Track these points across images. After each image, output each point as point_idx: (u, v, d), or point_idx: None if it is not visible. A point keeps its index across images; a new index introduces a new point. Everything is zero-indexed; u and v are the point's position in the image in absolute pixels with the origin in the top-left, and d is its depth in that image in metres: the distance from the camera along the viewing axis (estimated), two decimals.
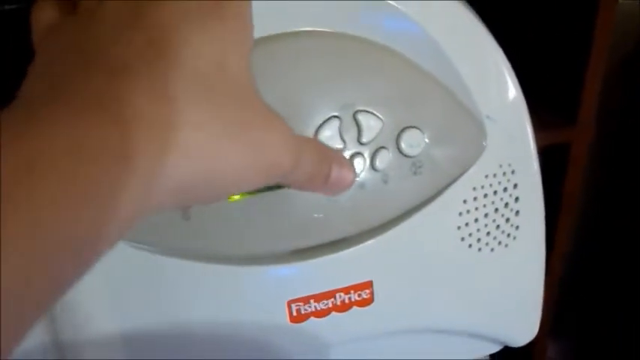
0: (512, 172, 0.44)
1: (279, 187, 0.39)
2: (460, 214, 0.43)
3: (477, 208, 0.44)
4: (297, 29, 0.38)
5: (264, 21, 0.33)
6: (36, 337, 0.40)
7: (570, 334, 1.48)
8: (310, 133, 0.39)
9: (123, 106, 0.23)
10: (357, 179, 0.40)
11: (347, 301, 0.42)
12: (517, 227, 0.45)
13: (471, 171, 0.43)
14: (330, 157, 0.33)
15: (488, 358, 0.62)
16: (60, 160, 0.20)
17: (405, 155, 0.40)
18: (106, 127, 0.22)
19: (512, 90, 0.43)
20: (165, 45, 0.24)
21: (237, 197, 0.38)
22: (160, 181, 0.23)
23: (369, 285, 0.42)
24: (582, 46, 0.75)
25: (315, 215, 0.40)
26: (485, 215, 0.44)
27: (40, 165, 0.20)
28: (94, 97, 0.22)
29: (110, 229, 0.22)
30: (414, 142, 0.40)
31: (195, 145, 0.24)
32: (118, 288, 0.39)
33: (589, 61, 0.74)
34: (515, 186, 0.44)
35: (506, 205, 0.44)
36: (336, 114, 0.39)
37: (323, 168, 0.32)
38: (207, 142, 0.25)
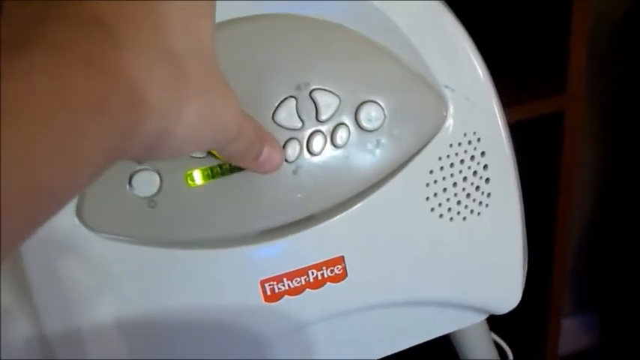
0: (478, 139, 0.45)
1: (242, 168, 0.40)
2: (427, 184, 0.44)
3: (444, 178, 0.44)
4: (245, 14, 0.39)
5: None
6: (19, 331, 0.41)
7: (593, 308, 1.47)
8: (268, 115, 0.40)
9: (98, 57, 0.24)
10: (319, 157, 0.41)
11: (320, 277, 0.43)
12: (489, 195, 0.46)
13: (435, 141, 0.43)
14: (264, 137, 0.36)
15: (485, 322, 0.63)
16: (37, 108, 0.21)
17: (365, 130, 0.41)
18: (83, 77, 0.23)
19: (470, 57, 0.43)
20: (139, 4, 0.26)
21: (201, 182, 0.40)
22: (130, 135, 0.25)
23: (340, 260, 0.43)
24: (564, 12, 0.75)
25: (282, 195, 0.41)
26: (454, 184, 0.45)
27: (17, 110, 0.20)
28: (70, 47, 0.23)
29: (78, 177, 0.24)
30: (372, 116, 0.41)
31: (163, 102, 0.26)
32: (90, 279, 0.40)
33: (571, 27, 0.74)
34: (482, 154, 0.45)
35: (475, 173, 0.45)
36: (292, 94, 0.40)
37: (256, 146, 0.35)
38: (174, 101, 0.27)
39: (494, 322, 0.79)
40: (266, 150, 0.37)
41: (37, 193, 0.21)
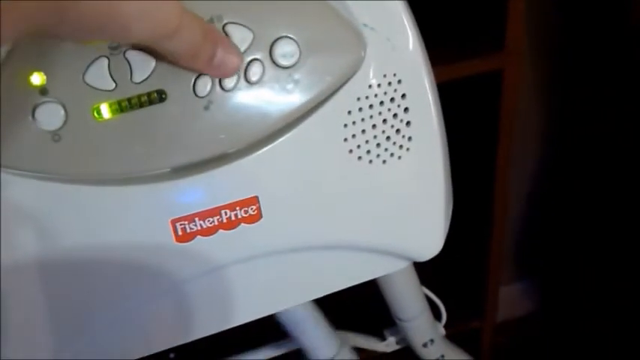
0: (399, 81, 0.45)
1: (152, 103, 0.39)
2: (345, 125, 0.44)
3: (363, 119, 0.44)
4: None
5: None
6: None
7: (536, 274, 1.50)
8: None
9: None
10: (232, 93, 0.40)
11: (233, 217, 0.43)
12: (409, 138, 0.46)
13: (352, 81, 0.43)
14: (216, 38, 0.37)
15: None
16: None
17: (280, 66, 0.41)
18: None
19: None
20: None
21: (108, 116, 0.39)
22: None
23: (254, 200, 0.43)
24: None
25: (194, 131, 0.40)
26: (373, 126, 0.45)
27: None
28: None
29: None
30: (287, 52, 0.41)
31: None
32: None
33: None
34: (403, 96, 0.45)
35: (395, 115, 0.45)
36: None
37: (207, 46, 0.37)
38: None
39: (435, 286, 0.80)
40: (220, 52, 0.38)
41: None
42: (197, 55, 0.37)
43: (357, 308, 0.91)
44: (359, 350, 0.88)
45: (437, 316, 0.83)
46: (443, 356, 0.83)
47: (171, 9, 0.33)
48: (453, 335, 0.93)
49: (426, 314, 0.76)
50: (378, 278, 0.67)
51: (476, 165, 0.96)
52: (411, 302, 0.71)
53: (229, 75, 0.40)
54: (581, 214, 1.31)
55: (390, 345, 0.86)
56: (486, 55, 0.82)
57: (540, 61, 1.17)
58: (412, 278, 0.69)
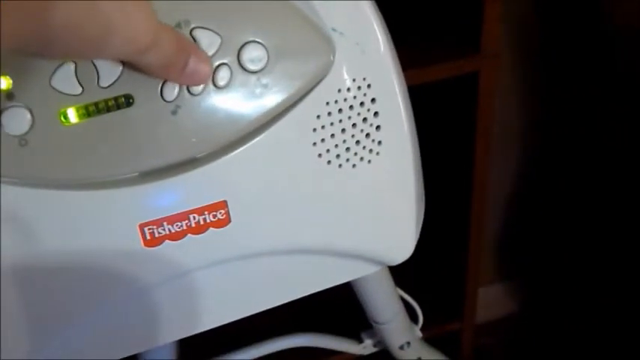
0: (369, 86, 0.45)
1: (119, 107, 0.39)
2: (315, 130, 0.44)
3: (332, 124, 0.45)
4: None
5: None
6: None
7: (518, 275, 1.51)
8: None
9: None
10: (200, 97, 0.41)
11: (202, 222, 0.43)
12: (379, 142, 0.47)
13: (322, 85, 0.44)
14: (188, 47, 0.38)
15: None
16: None
17: (248, 71, 0.41)
18: None
19: (361, 3, 0.43)
20: None
21: (75, 120, 0.39)
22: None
23: (223, 205, 0.43)
24: None
25: (161, 136, 0.41)
26: (343, 131, 0.45)
27: None
28: None
29: None
30: (255, 57, 0.41)
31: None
32: None
33: None
34: (373, 100, 0.45)
35: (365, 120, 0.46)
36: None
37: (180, 57, 0.37)
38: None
39: (412, 288, 0.81)
40: (192, 61, 0.38)
41: None
42: (170, 66, 0.38)
43: (334, 311, 0.91)
44: (336, 353, 0.89)
45: (414, 318, 0.84)
46: (420, 358, 0.83)
47: (145, 24, 0.33)
48: (434, 337, 0.94)
49: (402, 317, 0.77)
50: (352, 281, 0.68)
51: (454, 167, 0.97)
52: (386, 305, 0.72)
53: (201, 83, 0.40)
54: (563, 215, 1.32)
55: (367, 347, 0.87)
56: (463, 57, 0.82)
57: (519, 63, 1.18)
58: (386, 281, 0.69)
